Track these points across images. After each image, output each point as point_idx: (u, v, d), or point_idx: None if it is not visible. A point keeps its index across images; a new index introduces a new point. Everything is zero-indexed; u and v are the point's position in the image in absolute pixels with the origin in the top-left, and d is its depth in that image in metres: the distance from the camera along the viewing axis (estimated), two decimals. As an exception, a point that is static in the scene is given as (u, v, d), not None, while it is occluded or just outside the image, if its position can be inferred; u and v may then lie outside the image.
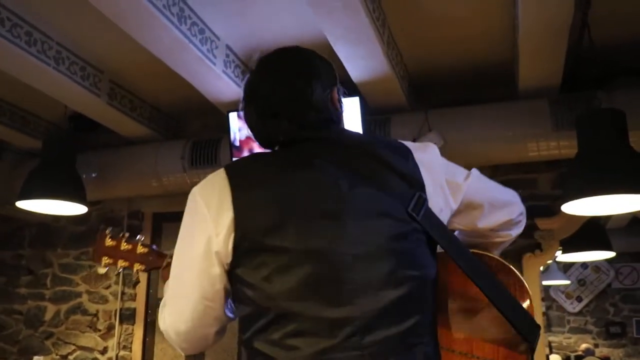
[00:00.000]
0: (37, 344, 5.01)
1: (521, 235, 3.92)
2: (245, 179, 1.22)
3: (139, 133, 4.50)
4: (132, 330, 4.74)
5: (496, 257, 1.41)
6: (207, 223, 1.18)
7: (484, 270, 1.26)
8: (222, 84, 3.66)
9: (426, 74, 3.94)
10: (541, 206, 3.92)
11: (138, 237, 1.75)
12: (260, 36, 3.51)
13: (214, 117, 4.25)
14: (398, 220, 1.18)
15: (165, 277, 1.49)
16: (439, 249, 1.26)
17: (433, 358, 1.18)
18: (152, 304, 4.73)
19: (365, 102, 3.77)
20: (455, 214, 1.35)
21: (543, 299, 4.09)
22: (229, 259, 1.18)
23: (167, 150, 4.39)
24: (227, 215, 1.16)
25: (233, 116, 3.91)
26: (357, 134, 1.38)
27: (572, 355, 6.01)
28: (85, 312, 4.94)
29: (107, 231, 1.72)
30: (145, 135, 4.52)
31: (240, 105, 1.36)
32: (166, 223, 4.89)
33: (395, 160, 1.24)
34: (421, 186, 1.24)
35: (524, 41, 3.10)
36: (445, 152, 4.01)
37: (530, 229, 3.90)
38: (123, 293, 4.83)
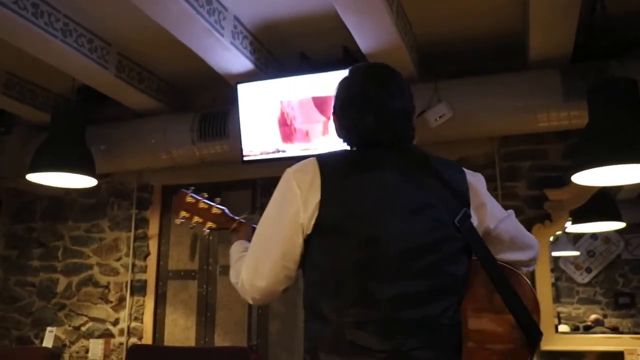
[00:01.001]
0: (50, 316, 5.08)
1: (531, 206, 3.95)
2: (333, 171, 1.47)
3: (148, 106, 4.49)
4: (143, 302, 4.79)
5: (516, 271, 1.60)
6: (297, 199, 1.44)
7: (507, 282, 1.49)
8: (231, 56, 3.64)
9: (436, 45, 3.90)
10: (551, 177, 3.90)
11: (216, 199, 1.96)
12: (269, 7, 3.48)
13: (223, 89, 4.24)
14: (444, 226, 1.45)
15: (240, 237, 1.79)
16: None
17: (456, 339, 1.44)
18: (163, 276, 4.78)
19: (374, 73, 3.73)
20: (486, 241, 1.57)
21: (552, 270, 4.08)
22: (309, 232, 1.43)
23: (175, 123, 4.39)
24: (315, 197, 1.42)
25: (242, 88, 3.90)
26: (425, 150, 1.62)
27: (581, 325, 6.03)
28: (96, 284, 5.00)
29: (190, 189, 1.93)
30: (153, 107, 4.52)
31: (344, 103, 1.63)
32: (176, 196, 4.90)
33: (452, 178, 1.54)
34: (467, 203, 1.52)
35: (535, 10, 3.05)
36: (455, 124, 4.00)
37: (539, 200, 3.89)
38: (134, 265, 4.88)
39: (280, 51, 4.03)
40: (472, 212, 1.52)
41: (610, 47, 3.24)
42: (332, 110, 1.68)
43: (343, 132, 1.63)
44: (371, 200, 1.43)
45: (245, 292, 1.55)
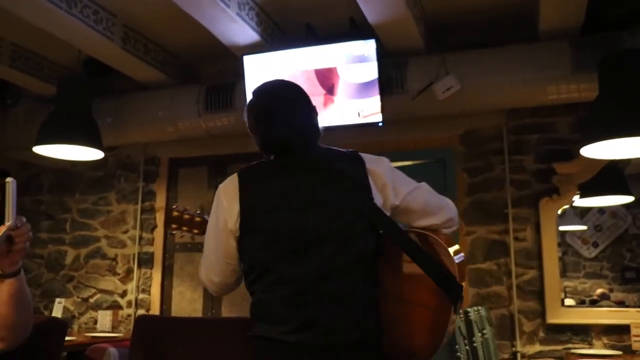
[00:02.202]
0: (58, 287, 5.13)
1: (539, 180, 3.94)
2: (248, 182, 1.77)
3: (154, 78, 4.47)
4: (151, 274, 4.83)
5: (432, 235, 1.78)
6: (225, 211, 1.75)
7: (417, 247, 1.74)
8: (237, 27, 3.60)
9: (444, 16, 3.85)
10: (559, 150, 3.88)
11: (197, 211, 2.26)
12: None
13: (229, 61, 4.20)
14: (346, 213, 1.71)
15: None
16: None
17: (373, 301, 1.73)
18: (170, 248, 4.80)
19: (381, 44, 3.70)
20: (397, 214, 1.82)
21: (559, 245, 4.07)
22: (237, 234, 1.74)
23: (182, 95, 4.37)
24: (236, 206, 1.73)
25: (248, 59, 3.87)
26: (329, 149, 1.86)
27: (587, 299, 6.04)
28: (104, 257, 5.03)
29: (175, 206, 2.24)
30: (159, 80, 4.49)
31: (250, 118, 1.86)
32: (182, 168, 4.91)
33: (352, 169, 1.78)
34: (369, 188, 1.76)
35: (546, -20, 3.00)
36: (463, 96, 3.95)
37: (547, 174, 3.87)
38: (141, 238, 4.90)
39: (287, 23, 3.99)
40: (377, 194, 1.77)
41: (623, 16, 3.18)
42: (248, 128, 1.88)
43: (260, 143, 1.85)
44: (276, 202, 1.72)
45: (207, 286, 1.91)
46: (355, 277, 1.70)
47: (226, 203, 1.76)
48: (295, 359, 1.66)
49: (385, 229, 1.75)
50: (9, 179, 1.53)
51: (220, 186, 1.82)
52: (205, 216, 2.18)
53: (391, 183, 1.80)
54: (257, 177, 1.79)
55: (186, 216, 2.21)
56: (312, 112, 1.86)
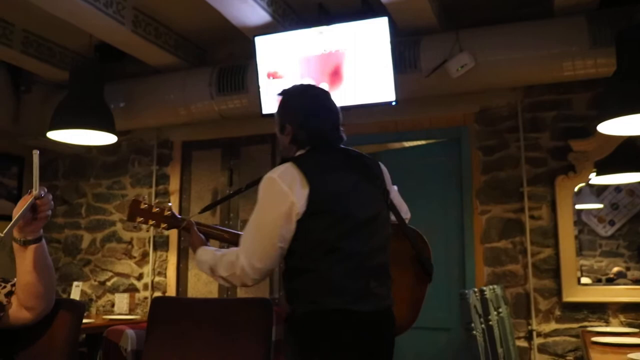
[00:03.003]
0: (76, 271, 5.18)
1: (554, 157, 3.89)
2: (311, 170, 1.92)
3: (165, 61, 4.46)
4: (166, 257, 4.86)
5: (413, 228, 2.21)
6: (288, 196, 1.86)
7: (413, 234, 2.17)
8: (247, 8, 3.57)
9: (457, -8, 3.80)
10: (576, 127, 3.83)
11: (167, 204, 2.31)
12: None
13: (240, 42, 4.18)
14: (379, 200, 2.06)
15: (193, 236, 2.19)
16: None
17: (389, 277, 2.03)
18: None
19: (394, 23, 3.66)
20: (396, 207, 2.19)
21: (575, 223, 4.03)
22: (299, 217, 1.87)
23: (194, 78, 4.36)
24: (305, 190, 1.87)
25: (259, 41, 3.84)
26: (354, 151, 2.15)
27: (604, 278, 6.01)
28: (120, 240, 5.07)
29: (142, 198, 2.26)
30: (171, 63, 4.48)
31: (297, 113, 2.07)
32: (195, 151, 4.92)
33: (374, 167, 2.12)
34: (384, 184, 2.12)
35: (561, -48, 2.95)
36: (477, 74, 3.91)
37: (563, 151, 3.83)
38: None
39: (298, 2, 3.96)
40: (390, 190, 2.15)
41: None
42: (286, 122, 2.08)
43: (304, 136, 2.04)
44: (339, 187, 1.95)
45: (246, 275, 1.92)
46: (386, 255, 2.01)
47: (289, 189, 1.87)
48: (360, 324, 1.88)
49: (397, 217, 2.14)
50: (35, 151, 1.65)
51: (273, 175, 1.92)
52: (175, 212, 2.26)
53: (390, 182, 2.18)
54: (317, 166, 1.96)
55: (155, 209, 2.25)
56: (339, 114, 2.12)
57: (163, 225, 2.25)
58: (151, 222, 2.24)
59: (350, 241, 1.90)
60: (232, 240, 2.22)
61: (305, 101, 2.11)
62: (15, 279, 1.76)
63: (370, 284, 1.91)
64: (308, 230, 1.89)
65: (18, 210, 1.61)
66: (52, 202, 1.70)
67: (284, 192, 1.88)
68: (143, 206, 2.24)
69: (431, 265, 2.13)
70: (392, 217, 2.14)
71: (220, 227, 2.37)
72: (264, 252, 1.91)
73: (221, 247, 2.27)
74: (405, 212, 2.27)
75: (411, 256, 2.14)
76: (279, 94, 2.16)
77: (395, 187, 2.25)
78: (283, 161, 1.99)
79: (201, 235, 2.20)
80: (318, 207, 1.89)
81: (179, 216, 2.30)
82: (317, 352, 1.87)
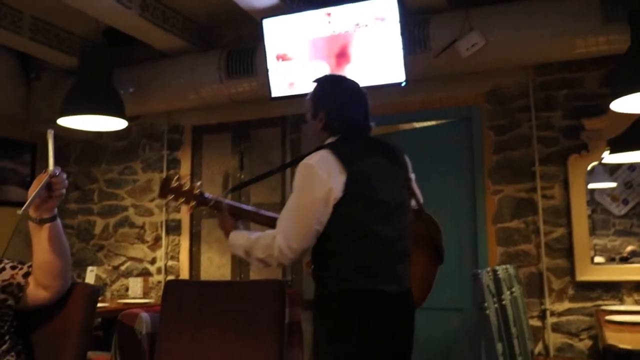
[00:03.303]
0: (90, 256, 5.22)
1: (566, 136, 3.86)
2: (347, 157, 2.01)
3: (174, 45, 4.44)
4: (179, 241, 4.88)
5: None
6: (326, 181, 1.97)
7: (429, 217, 2.31)
8: (255, -10, 3.56)
9: (467, -30, 3.75)
10: (588, 106, 3.79)
11: (196, 183, 2.37)
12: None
13: (248, 25, 4.16)
14: (404, 188, 2.20)
15: (223, 220, 2.28)
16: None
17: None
18: (197, 215, 4.83)
19: (403, 2, 3.61)
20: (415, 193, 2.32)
21: (588, 203, 4.01)
22: (336, 202, 1.98)
23: (203, 62, 4.35)
24: (343, 177, 1.97)
25: (267, 23, 3.82)
26: (382, 138, 2.33)
27: (617, 257, 5.98)
28: (132, 225, 5.09)
29: (175, 176, 2.32)
30: (180, 47, 4.47)
31: (331, 101, 2.20)
32: (206, 135, 4.92)
33: (400, 155, 2.24)
34: (408, 171, 2.25)
35: None
36: (487, 53, 3.87)
37: (576, 130, 3.80)
38: (167, 205, 4.94)
39: (306, -17, 3.93)
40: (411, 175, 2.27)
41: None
42: (320, 109, 2.18)
43: (337, 123, 2.15)
44: (374, 174, 2.06)
45: (284, 256, 2.02)
46: (409, 240, 2.13)
47: (326, 175, 1.97)
48: (388, 303, 2.01)
49: (417, 203, 2.27)
50: (50, 130, 1.69)
51: (311, 162, 2.03)
52: (204, 192, 2.33)
53: (411, 170, 2.27)
54: (352, 153, 2.06)
55: (185, 188, 2.33)
56: (369, 104, 2.23)
57: (192, 203, 2.31)
58: (181, 199, 2.32)
59: (382, 226, 2.02)
60: (264, 222, 2.28)
61: (340, 91, 2.24)
62: (31, 262, 1.79)
63: (397, 268, 2.05)
64: (344, 215, 2.00)
65: (34, 189, 1.64)
66: (67, 181, 1.73)
67: (322, 178, 1.98)
68: (174, 184, 2.33)
69: (443, 248, 2.29)
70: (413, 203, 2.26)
71: (252, 208, 2.41)
72: (300, 234, 2.01)
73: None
74: (419, 198, 2.34)
75: (425, 239, 2.27)
76: (314, 81, 2.27)
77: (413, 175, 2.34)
78: (318, 148, 2.08)
79: (230, 217, 2.27)
80: (354, 192, 1.99)
81: (208, 195, 2.36)
82: (348, 330, 1.97)
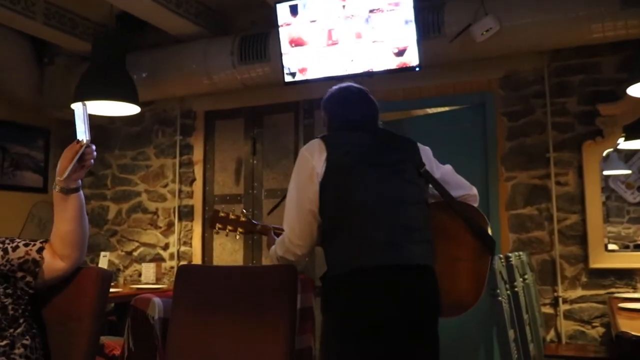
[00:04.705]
0: (103, 242, 5.25)
1: (582, 122, 3.83)
2: (330, 138, 2.14)
3: (187, 30, 4.44)
4: (191, 226, 4.90)
5: (469, 204, 2.29)
6: (309, 161, 2.07)
7: (460, 204, 2.22)
8: (267, -26, 3.54)
9: (482, -46, 3.70)
10: (604, 91, 3.75)
11: (243, 211, 2.61)
12: None
13: (261, 10, 4.15)
14: (411, 172, 2.14)
15: (269, 237, 2.42)
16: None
17: (431, 250, 2.07)
18: (209, 200, 4.85)
19: (417, -13, 3.59)
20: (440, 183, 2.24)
21: (602, 190, 3.97)
22: (321, 178, 2.05)
23: (216, 47, 4.34)
24: (323, 155, 2.06)
25: (281, 7, 3.80)
26: (387, 129, 2.45)
27: (631, 244, 5.94)
28: (145, 211, 5.12)
29: (221, 208, 2.52)
30: (192, 32, 4.46)
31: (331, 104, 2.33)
32: (218, 121, 4.92)
33: (407, 144, 2.24)
34: (421, 159, 2.20)
35: None
36: (502, 37, 3.85)
37: (591, 116, 3.76)
38: (180, 191, 4.96)
39: (319, -32, 3.89)
40: (427, 165, 2.20)
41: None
42: (324, 112, 2.33)
43: (334, 121, 2.29)
44: (355, 147, 2.11)
45: (293, 245, 2.11)
46: (412, 212, 2.09)
47: (310, 155, 2.10)
48: (386, 277, 1.96)
49: (443, 195, 2.19)
50: (83, 103, 1.84)
51: (302, 150, 2.16)
52: (251, 218, 2.54)
53: (432, 161, 2.27)
54: (339, 136, 2.18)
55: (232, 217, 2.55)
56: (371, 104, 2.30)
57: (240, 230, 2.53)
58: (229, 227, 2.54)
59: (363, 192, 2.03)
60: None
61: (338, 93, 2.35)
62: (42, 239, 1.83)
63: (395, 237, 1.98)
64: (328, 189, 2.05)
65: (66, 159, 1.72)
66: (95, 153, 1.81)
67: (306, 158, 2.10)
68: (222, 214, 2.55)
69: (492, 240, 2.15)
70: (433, 193, 2.23)
71: None
72: (301, 217, 2.09)
73: None
74: (467, 189, 2.33)
75: (462, 230, 2.16)
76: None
77: (449, 166, 2.33)
78: None
79: (276, 237, 2.37)
80: (332, 165, 2.05)
81: (255, 222, 2.58)
82: (349, 306, 1.97)
